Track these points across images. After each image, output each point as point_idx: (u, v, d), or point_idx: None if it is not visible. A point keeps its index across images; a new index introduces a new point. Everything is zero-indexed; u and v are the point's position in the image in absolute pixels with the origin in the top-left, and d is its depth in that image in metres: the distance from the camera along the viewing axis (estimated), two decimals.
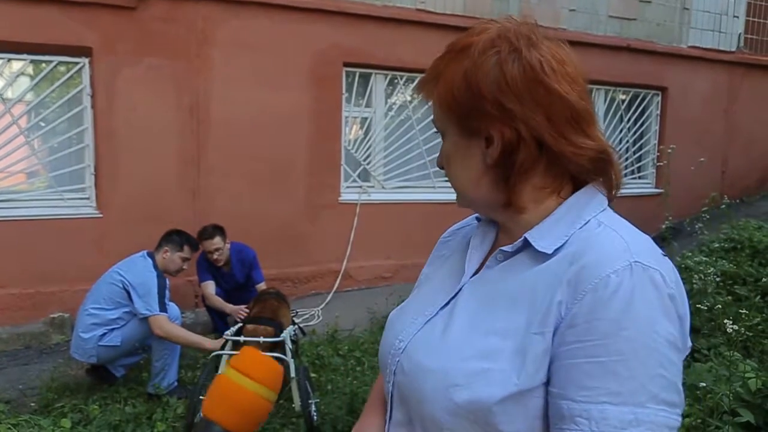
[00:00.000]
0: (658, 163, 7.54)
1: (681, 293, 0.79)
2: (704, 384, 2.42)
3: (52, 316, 4.99)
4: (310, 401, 3.40)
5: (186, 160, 5.44)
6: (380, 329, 4.60)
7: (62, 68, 5.16)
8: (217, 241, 4.72)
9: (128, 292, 3.89)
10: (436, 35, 6.03)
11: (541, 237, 0.85)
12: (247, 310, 4.41)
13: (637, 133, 7.86)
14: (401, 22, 6.09)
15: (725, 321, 2.65)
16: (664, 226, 5.64)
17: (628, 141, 7.77)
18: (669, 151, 5.87)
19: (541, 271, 0.83)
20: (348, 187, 6.24)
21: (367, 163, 6.34)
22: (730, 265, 4.63)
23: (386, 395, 0.97)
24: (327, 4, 5.77)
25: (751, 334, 3.28)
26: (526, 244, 0.86)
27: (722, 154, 8.17)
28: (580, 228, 0.84)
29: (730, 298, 4.08)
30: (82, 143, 5.24)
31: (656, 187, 7.77)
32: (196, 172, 5.49)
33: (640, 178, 7.97)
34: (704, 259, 4.60)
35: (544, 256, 0.83)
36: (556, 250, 0.83)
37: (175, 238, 4.28)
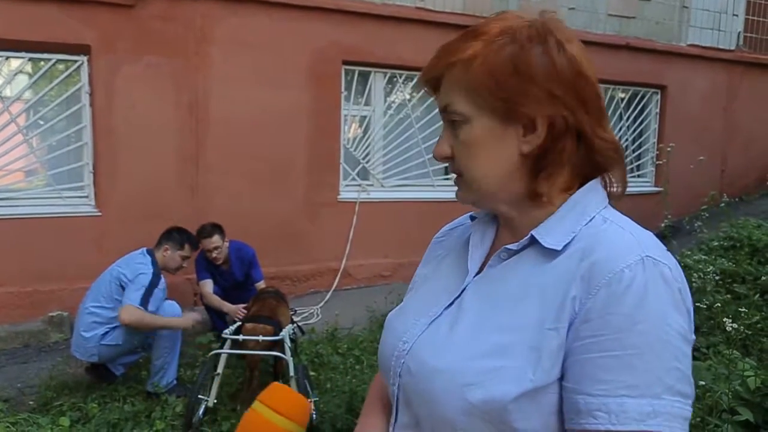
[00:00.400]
0: (657, 162, 7.54)
1: (686, 287, 0.80)
2: (703, 382, 2.42)
3: (50, 314, 4.98)
4: (309, 400, 3.40)
5: (185, 158, 5.43)
6: (379, 328, 4.60)
7: (61, 66, 5.15)
8: (216, 239, 4.71)
9: (124, 289, 3.89)
10: (435, 33, 6.02)
11: (547, 234, 0.85)
12: (245, 310, 4.40)
13: (637, 132, 7.86)
14: (401, 21, 6.09)
15: (724, 319, 2.65)
16: (663, 225, 5.65)
17: (627, 139, 7.77)
18: (668, 149, 5.89)
19: (551, 267, 0.83)
20: (347, 185, 6.24)
21: (366, 162, 6.34)
22: (729, 263, 4.64)
23: (391, 397, 0.95)
24: (326, 2, 5.76)
25: (750, 332, 3.29)
26: (532, 242, 0.87)
27: (721, 153, 8.17)
28: (586, 224, 0.85)
29: (729, 296, 4.09)
30: (80, 141, 5.23)
31: (655, 186, 7.77)
32: (195, 171, 5.49)
33: (639, 176, 7.97)
34: (703, 257, 4.61)
35: (552, 253, 0.84)
36: (565, 247, 0.83)
37: (175, 236, 4.27)
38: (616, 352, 0.73)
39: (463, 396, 0.79)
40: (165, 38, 5.26)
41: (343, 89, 6.08)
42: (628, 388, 0.73)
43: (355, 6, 5.89)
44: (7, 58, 4.99)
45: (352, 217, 6.13)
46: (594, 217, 0.86)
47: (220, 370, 3.64)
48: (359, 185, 6.28)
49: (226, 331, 3.77)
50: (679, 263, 0.82)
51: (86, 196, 5.28)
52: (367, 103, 6.31)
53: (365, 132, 6.35)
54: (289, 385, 3.49)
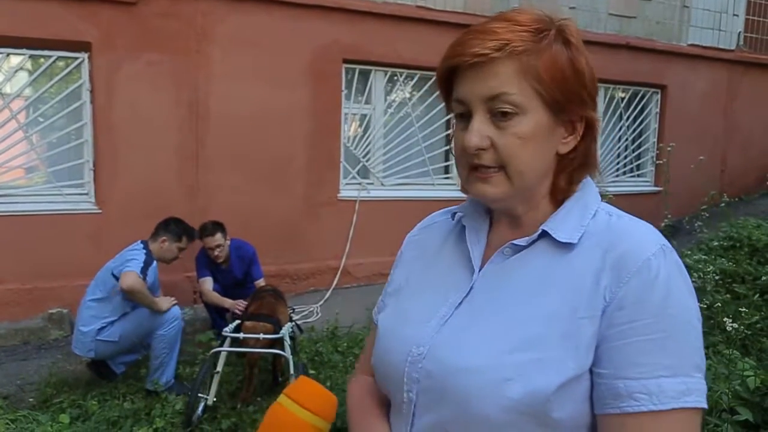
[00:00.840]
0: (657, 161, 7.54)
1: None
2: None
3: (50, 311, 4.98)
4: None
5: (185, 156, 5.43)
6: None
7: (61, 63, 5.14)
8: (218, 237, 4.71)
9: (114, 276, 3.90)
10: (435, 32, 6.02)
11: (558, 229, 0.87)
12: (244, 309, 4.41)
13: (637, 131, 7.86)
14: (401, 19, 6.08)
15: (724, 319, 2.65)
16: (663, 224, 5.64)
17: (627, 139, 7.77)
18: (668, 149, 5.88)
19: (569, 260, 0.85)
20: (347, 184, 6.24)
21: (367, 160, 6.34)
22: (729, 263, 4.64)
23: (404, 404, 0.91)
24: (327, 1, 5.76)
25: (749, 332, 3.29)
26: (541, 236, 0.88)
27: (721, 153, 8.18)
28: (592, 218, 0.88)
29: (728, 296, 4.09)
30: (81, 138, 5.23)
31: (655, 185, 7.77)
32: (195, 168, 5.49)
33: (639, 176, 7.97)
34: (703, 257, 4.61)
35: (566, 246, 0.86)
36: (579, 240, 0.87)
37: (173, 228, 4.27)
38: (652, 336, 0.77)
39: (502, 392, 0.79)
40: (166, 36, 5.25)
41: (343, 88, 6.08)
42: (665, 369, 0.77)
43: (356, 4, 5.89)
44: (8, 54, 4.99)
45: (352, 216, 6.13)
46: (596, 211, 0.89)
47: (219, 368, 3.65)
48: (359, 184, 6.28)
49: (226, 329, 3.78)
50: None
51: (86, 194, 5.28)
52: (367, 102, 6.30)
53: (365, 130, 6.35)
54: (288, 384, 3.49)
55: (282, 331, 3.77)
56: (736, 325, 2.58)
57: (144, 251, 4.04)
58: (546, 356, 0.79)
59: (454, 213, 1.02)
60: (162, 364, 3.94)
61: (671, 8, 7.66)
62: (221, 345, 3.71)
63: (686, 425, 0.78)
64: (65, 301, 5.00)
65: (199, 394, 3.55)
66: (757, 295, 4.11)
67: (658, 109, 7.87)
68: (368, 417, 1.00)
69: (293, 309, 4.69)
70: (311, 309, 5.62)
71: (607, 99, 7.52)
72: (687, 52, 7.77)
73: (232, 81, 5.50)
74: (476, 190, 0.88)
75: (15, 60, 5.05)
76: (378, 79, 6.29)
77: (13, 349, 4.72)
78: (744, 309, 3.35)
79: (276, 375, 4.11)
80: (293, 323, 4.19)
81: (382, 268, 6.28)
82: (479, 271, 0.92)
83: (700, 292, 4.01)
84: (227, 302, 4.68)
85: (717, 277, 4.23)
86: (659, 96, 7.84)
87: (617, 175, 7.79)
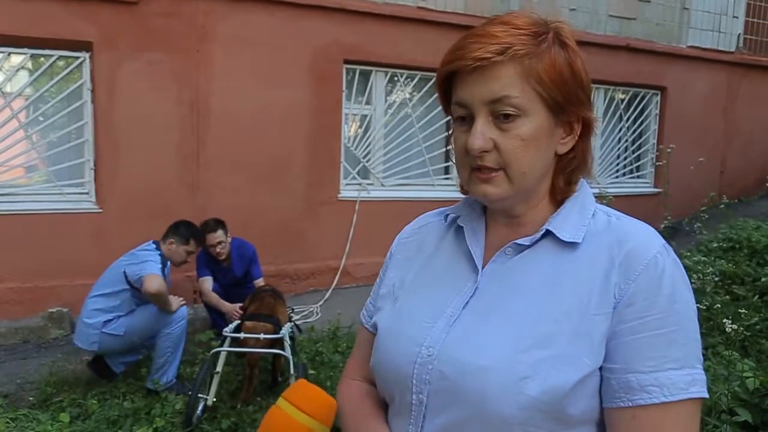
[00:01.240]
0: (657, 163, 7.55)
1: None
2: None
3: (50, 310, 4.98)
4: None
5: (186, 155, 5.43)
6: None
7: (62, 63, 5.15)
8: (220, 234, 4.71)
9: (126, 275, 3.90)
10: (436, 33, 6.03)
11: (562, 228, 0.89)
12: (241, 311, 4.41)
13: (636, 133, 7.87)
14: (402, 20, 6.09)
15: (724, 320, 2.66)
16: (662, 226, 5.65)
17: (627, 140, 7.78)
18: (668, 150, 5.89)
19: (575, 258, 0.87)
20: (347, 184, 6.24)
21: (367, 161, 6.34)
22: (729, 264, 4.64)
23: (413, 406, 0.90)
24: (328, 1, 5.76)
25: (749, 333, 3.29)
26: (543, 236, 0.90)
27: (721, 154, 8.19)
28: (592, 217, 0.91)
29: (728, 297, 4.09)
30: (81, 138, 5.23)
31: (655, 187, 7.78)
32: (196, 168, 5.49)
33: (638, 177, 7.98)
34: (703, 258, 4.61)
35: (570, 245, 0.88)
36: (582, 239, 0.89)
37: (182, 231, 4.27)
38: (661, 330, 0.81)
39: (521, 390, 0.80)
40: (167, 35, 5.26)
41: (344, 88, 6.08)
42: (674, 362, 0.80)
43: (357, 5, 5.90)
44: (9, 54, 4.99)
45: (352, 216, 6.13)
46: (594, 211, 0.92)
47: (219, 368, 3.64)
48: (359, 184, 6.28)
49: (227, 329, 3.78)
50: None
51: (87, 193, 5.28)
52: (367, 102, 6.31)
53: (366, 131, 6.35)
54: (289, 384, 3.50)
55: (282, 331, 3.77)
56: (735, 327, 2.58)
57: (157, 252, 4.05)
58: (561, 353, 0.81)
59: (447, 214, 1.03)
60: (166, 362, 3.94)
61: (671, 10, 7.67)
62: (221, 345, 3.71)
63: (691, 414, 0.82)
64: (65, 300, 5.00)
65: (199, 395, 3.55)
66: (757, 296, 4.11)
67: (657, 111, 7.88)
68: (368, 420, 0.99)
69: (292, 309, 4.69)
70: (311, 309, 5.62)
71: (607, 100, 7.53)
72: (687, 54, 7.78)
73: (232, 81, 5.51)
74: (478, 190, 0.89)
75: (16, 59, 5.05)
76: (378, 80, 6.29)
77: (14, 348, 4.72)
78: (743, 310, 3.36)
79: (276, 375, 4.12)
80: (293, 323, 4.20)
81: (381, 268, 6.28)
82: (481, 271, 0.93)
83: (700, 293, 4.01)
84: (225, 306, 4.66)
85: (716, 279, 4.24)
86: (659, 97, 7.85)
87: (617, 177, 7.80)
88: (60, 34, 4.95)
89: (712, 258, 4.77)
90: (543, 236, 0.90)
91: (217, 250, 4.72)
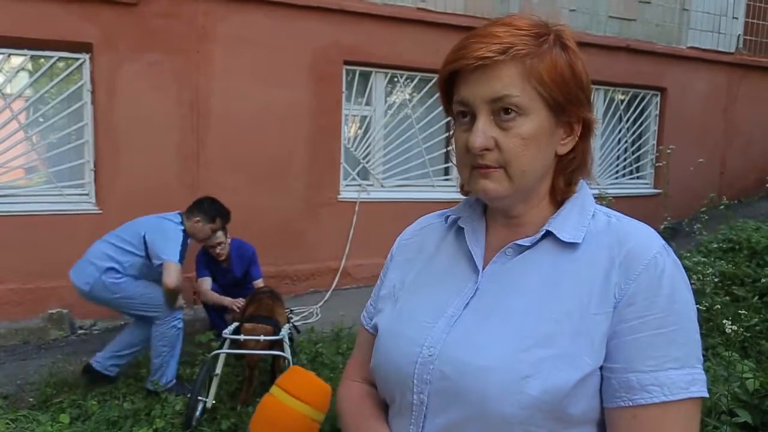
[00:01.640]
0: (656, 164, 7.55)
1: None
2: None
3: (50, 311, 4.98)
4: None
5: (186, 156, 5.43)
6: None
7: (62, 64, 5.15)
8: (220, 235, 4.71)
9: (146, 241, 3.86)
10: (436, 34, 6.03)
11: (562, 229, 0.90)
12: (242, 304, 4.42)
13: (636, 134, 7.87)
14: (402, 21, 6.09)
15: (723, 321, 2.65)
16: (662, 227, 5.64)
17: (627, 141, 7.78)
18: (668, 151, 5.88)
19: (575, 259, 0.88)
20: (347, 185, 6.24)
21: (367, 162, 6.35)
22: (729, 265, 4.63)
23: (414, 406, 0.90)
24: (327, 2, 5.77)
25: (749, 334, 3.29)
26: (544, 237, 0.91)
27: (721, 155, 8.19)
28: (591, 218, 0.91)
29: (728, 298, 4.08)
30: (81, 139, 5.24)
31: (655, 188, 7.79)
32: (196, 169, 5.49)
33: (638, 178, 7.99)
34: (702, 259, 4.60)
35: (570, 246, 0.89)
36: (582, 240, 0.89)
37: (208, 209, 4.25)
38: (662, 330, 0.81)
39: (522, 389, 0.80)
40: (167, 36, 5.26)
41: (343, 89, 6.08)
42: (674, 361, 0.81)
43: (357, 6, 5.90)
44: (9, 55, 5.00)
45: (352, 217, 6.14)
46: (594, 212, 0.92)
47: (218, 370, 3.64)
48: (359, 185, 6.28)
49: (226, 331, 3.77)
50: None
51: (87, 194, 5.28)
52: (367, 103, 6.31)
53: (366, 132, 6.36)
54: None
55: (282, 333, 3.77)
56: (735, 328, 2.58)
57: (181, 228, 4.00)
58: (562, 353, 0.81)
59: (448, 216, 1.04)
60: (163, 363, 3.93)
61: (671, 11, 7.68)
62: (221, 347, 3.71)
63: (691, 413, 0.82)
64: (65, 301, 5.00)
65: (198, 398, 3.54)
66: (757, 297, 4.10)
67: (657, 112, 7.88)
68: (368, 421, 0.99)
69: (291, 310, 4.70)
70: (311, 310, 5.62)
71: (606, 101, 7.53)
72: (686, 55, 7.79)
73: (232, 81, 5.51)
74: (478, 186, 0.89)
75: (16, 60, 5.05)
76: (378, 81, 6.30)
77: (14, 349, 4.73)
78: (743, 311, 3.36)
79: (275, 376, 4.10)
80: (291, 324, 4.19)
81: (381, 269, 6.28)
82: (482, 271, 0.93)
83: (700, 294, 4.01)
84: (226, 300, 4.68)
85: (716, 280, 4.23)
86: (659, 98, 7.86)
87: (617, 177, 7.80)
88: (60, 35, 4.95)
89: (712, 259, 4.76)
90: (543, 237, 0.91)
91: (217, 250, 4.73)
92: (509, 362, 0.82)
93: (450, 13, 6.26)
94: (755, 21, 8.32)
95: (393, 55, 6.13)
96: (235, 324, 3.92)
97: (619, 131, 7.70)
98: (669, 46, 7.67)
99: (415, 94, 6.49)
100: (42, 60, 5.10)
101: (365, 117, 6.35)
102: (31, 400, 3.89)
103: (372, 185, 6.37)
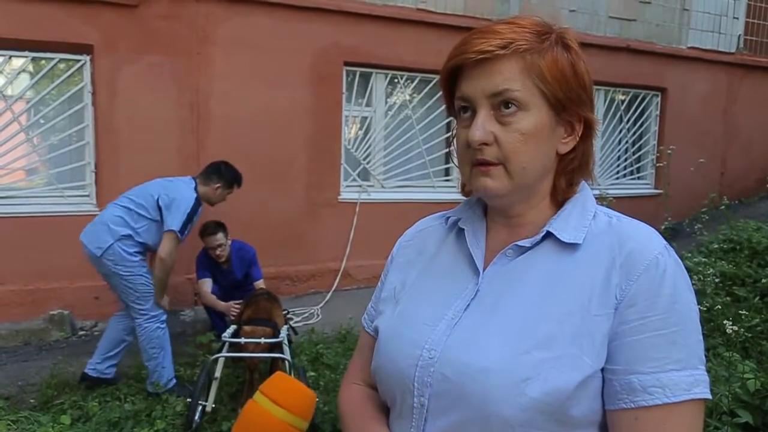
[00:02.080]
0: (657, 164, 7.54)
1: None
2: None
3: (51, 312, 4.99)
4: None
5: (186, 157, 5.43)
6: None
7: (63, 65, 5.15)
8: (220, 237, 4.72)
9: (160, 206, 3.85)
10: (436, 35, 6.03)
11: (562, 230, 0.89)
12: (238, 307, 4.41)
13: (637, 134, 7.87)
14: (402, 22, 6.09)
15: (724, 322, 2.65)
16: (663, 227, 5.64)
17: (627, 141, 7.78)
18: (668, 151, 5.88)
19: (576, 260, 0.87)
20: (348, 186, 6.25)
21: (367, 162, 6.35)
22: (729, 266, 4.63)
23: (415, 409, 0.90)
24: (328, 3, 5.77)
25: (750, 335, 3.29)
26: (544, 238, 0.90)
27: (721, 155, 8.19)
28: (592, 219, 0.91)
29: (728, 299, 4.08)
30: (82, 140, 5.24)
31: (655, 188, 7.79)
32: (196, 170, 5.44)
33: (639, 178, 7.98)
34: (703, 259, 4.60)
35: (570, 247, 0.88)
36: (583, 240, 0.89)
37: (225, 174, 4.28)
38: (663, 331, 0.81)
39: (522, 391, 0.80)
40: (167, 38, 5.27)
41: (344, 90, 6.09)
42: (675, 363, 0.80)
43: (357, 7, 5.90)
44: (10, 57, 5.00)
45: (352, 218, 6.14)
46: (595, 213, 0.92)
47: (218, 373, 3.62)
48: (360, 186, 6.28)
49: (225, 334, 3.77)
50: None
51: (87, 195, 5.29)
52: (368, 104, 6.31)
53: (366, 133, 6.36)
54: None
55: (281, 335, 3.77)
56: (736, 328, 2.58)
57: (195, 195, 3.98)
58: (562, 354, 0.81)
59: (448, 217, 1.04)
60: (158, 366, 3.93)
61: (671, 11, 7.68)
62: (220, 350, 3.70)
63: (694, 415, 0.81)
64: (66, 302, 5.01)
65: (198, 402, 3.54)
66: (757, 297, 4.10)
67: (658, 112, 7.88)
68: (369, 423, 0.99)
69: (288, 311, 4.70)
70: (311, 311, 5.62)
71: (607, 102, 7.53)
72: (687, 55, 7.79)
73: (233, 83, 5.51)
74: (478, 184, 0.89)
75: (17, 62, 5.06)
76: (378, 82, 6.30)
77: (14, 350, 4.73)
78: (744, 311, 3.36)
79: None
80: (289, 326, 4.19)
81: (382, 270, 6.28)
82: (482, 273, 0.93)
83: (700, 294, 4.01)
84: (220, 305, 4.67)
85: (717, 280, 4.22)
86: (659, 99, 7.85)
87: (617, 178, 7.80)
88: (61, 37, 4.96)
89: (713, 259, 4.76)
90: (544, 238, 0.90)
91: (217, 252, 4.73)
92: (510, 364, 0.81)
93: (450, 14, 6.26)
94: (756, 21, 8.31)
95: (393, 56, 6.13)
96: (234, 327, 3.91)
97: (620, 132, 7.70)
98: (669, 46, 7.67)
99: (415, 94, 6.49)
100: (43, 62, 5.11)
101: (366, 118, 6.35)
102: (32, 401, 3.89)
103: (372, 186, 6.38)
